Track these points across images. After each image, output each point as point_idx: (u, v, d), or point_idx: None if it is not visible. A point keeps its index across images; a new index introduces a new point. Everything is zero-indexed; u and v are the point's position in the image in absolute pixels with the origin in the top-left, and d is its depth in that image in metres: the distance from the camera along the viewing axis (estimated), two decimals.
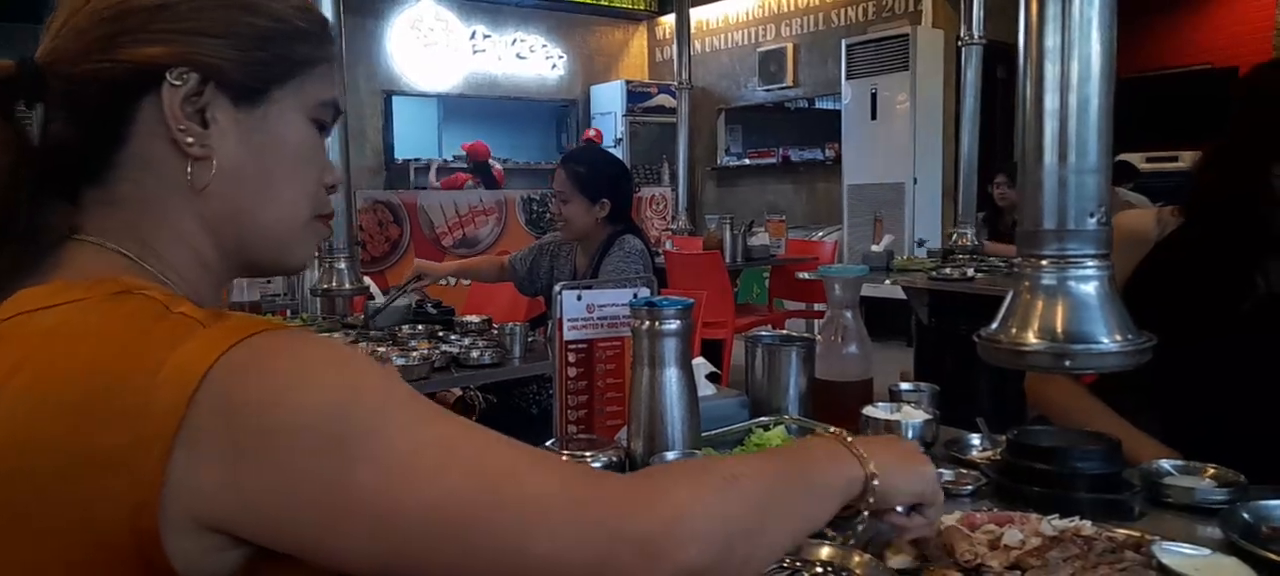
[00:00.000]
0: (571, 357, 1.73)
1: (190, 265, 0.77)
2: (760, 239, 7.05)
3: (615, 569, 0.65)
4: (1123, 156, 6.51)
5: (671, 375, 1.58)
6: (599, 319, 1.76)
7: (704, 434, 1.79)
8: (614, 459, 1.56)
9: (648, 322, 1.59)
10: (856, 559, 1.24)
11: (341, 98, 0.83)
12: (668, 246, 6.99)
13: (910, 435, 1.80)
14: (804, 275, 6.52)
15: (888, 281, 5.21)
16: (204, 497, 0.60)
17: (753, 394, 2.01)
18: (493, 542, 0.64)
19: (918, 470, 1.02)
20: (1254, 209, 1.67)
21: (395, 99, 10.26)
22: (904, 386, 2.00)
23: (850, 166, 8.75)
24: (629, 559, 0.65)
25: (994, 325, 1.28)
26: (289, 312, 3.72)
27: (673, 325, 1.58)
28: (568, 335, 1.73)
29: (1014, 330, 1.24)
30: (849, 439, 0.96)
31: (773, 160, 10.26)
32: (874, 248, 6.15)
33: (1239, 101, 1.78)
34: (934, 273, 5.07)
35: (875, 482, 0.93)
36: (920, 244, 7.10)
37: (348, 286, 3.15)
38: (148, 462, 0.58)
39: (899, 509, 1.05)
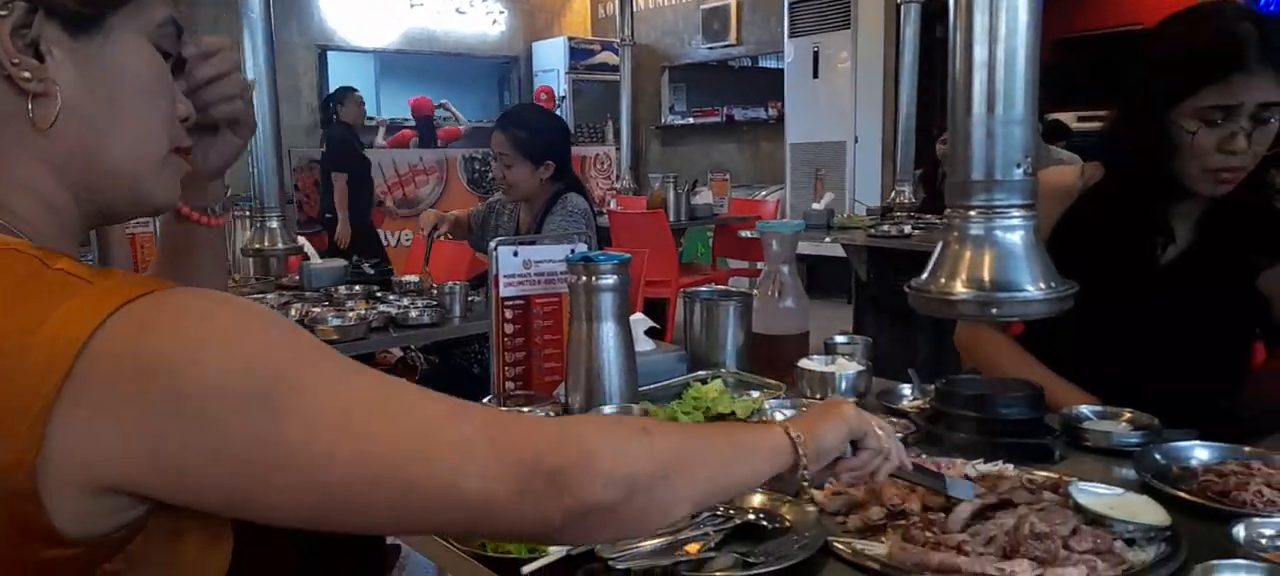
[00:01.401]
0: (508, 314, 1.72)
1: (38, 213, 0.71)
2: (704, 198, 7.07)
3: (532, 500, 0.70)
4: (1055, 116, 6.66)
5: (608, 330, 1.58)
6: (536, 275, 1.75)
7: (642, 388, 1.80)
8: (551, 414, 1.56)
9: (584, 278, 1.59)
10: (786, 505, 1.27)
11: (180, 14, 0.78)
12: (612, 206, 6.97)
13: (843, 386, 1.84)
14: (746, 233, 6.57)
15: (827, 239, 5.28)
16: (102, 460, 0.58)
17: (691, 349, 2.02)
18: (427, 484, 0.67)
19: (836, 416, 1.06)
20: (1160, 159, 1.72)
21: (330, 55, 9.97)
22: (839, 339, 2.04)
23: (792, 125, 8.81)
24: (542, 490, 0.70)
25: (924, 275, 1.31)
26: None
27: (609, 280, 1.58)
28: (504, 292, 1.72)
29: (943, 280, 1.27)
30: (783, 422, 1.03)
31: (717, 119, 10.27)
32: (815, 206, 6.22)
33: (1143, 52, 1.83)
34: (872, 230, 5.15)
35: (800, 437, 0.98)
36: (859, 203, 7.20)
37: (280, 246, 3.07)
38: (21, 426, 0.56)
39: (846, 454, 1.09)
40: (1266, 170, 1.75)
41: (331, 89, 8.38)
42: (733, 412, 1.62)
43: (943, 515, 1.22)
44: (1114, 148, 1.88)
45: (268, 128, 3.40)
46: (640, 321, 1.98)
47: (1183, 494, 1.30)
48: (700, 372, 1.91)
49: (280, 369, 0.64)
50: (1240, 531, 1.12)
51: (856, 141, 8.33)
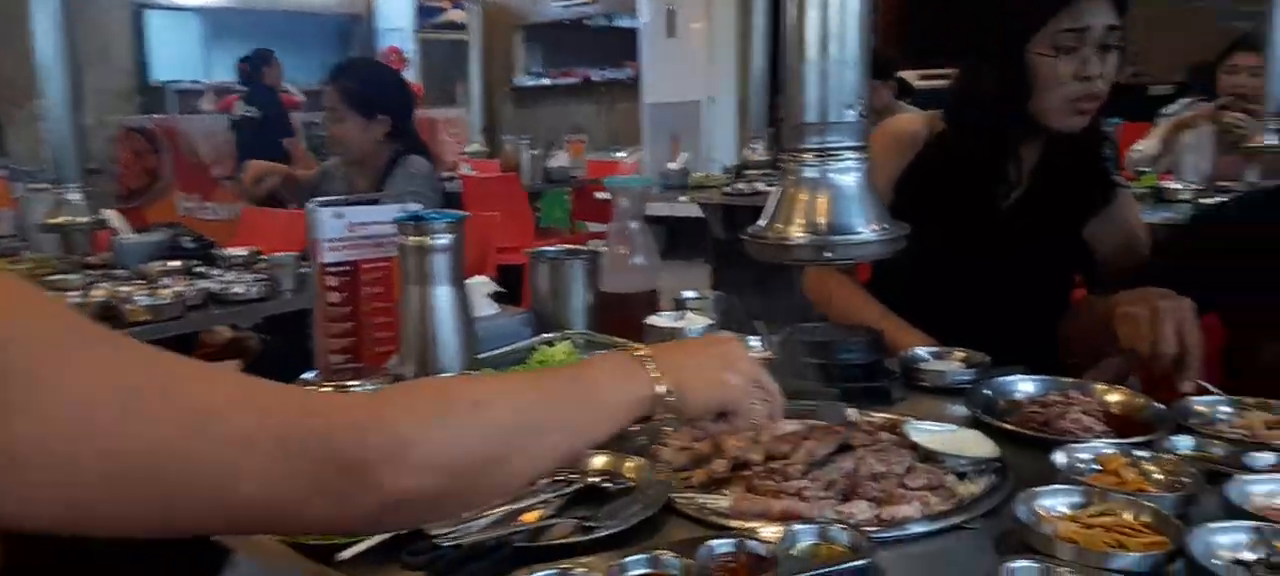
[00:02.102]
0: (332, 281, 1.60)
1: None
2: (560, 160, 6.98)
3: (334, 498, 0.63)
4: (901, 73, 6.94)
5: (442, 293, 1.50)
6: (363, 238, 1.63)
7: (484, 354, 1.73)
8: (382, 388, 1.46)
9: (414, 238, 1.49)
10: (629, 463, 1.24)
11: None
12: (465, 170, 6.77)
13: None
14: (602, 195, 6.53)
15: (683, 199, 5.32)
16: None
17: (538, 310, 1.96)
18: (193, 487, 0.59)
19: (722, 382, 0.99)
20: (1020, 97, 1.80)
21: (149, 13, 9.17)
22: (688, 294, 2.02)
23: (649, 85, 8.82)
24: (344, 486, 0.63)
25: (761, 221, 1.29)
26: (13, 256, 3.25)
27: (442, 239, 1.49)
28: (327, 257, 1.60)
29: (779, 225, 1.26)
30: (642, 353, 0.92)
31: (574, 80, 10.15)
32: (671, 166, 6.25)
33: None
34: (727, 188, 5.22)
35: (669, 399, 0.91)
36: (715, 161, 7.30)
37: (82, 220, 2.78)
38: None
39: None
40: (1098, 117, 1.86)
41: (151, 50, 7.74)
42: None
43: (784, 463, 1.21)
44: (969, 95, 1.94)
45: (64, 92, 3.07)
46: (481, 285, 1.90)
47: (1008, 426, 1.36)
48: (547, 336, 1.85)
49: (11, 358, 0.53)
50: (1060, 458, 1.17)
51: (712, 101, 8.43)
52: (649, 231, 2.09)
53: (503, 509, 1.11)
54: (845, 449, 1.27)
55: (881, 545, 1.00)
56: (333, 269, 1.60)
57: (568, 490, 1.18)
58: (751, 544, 1.00)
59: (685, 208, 5.52)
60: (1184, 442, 1.25)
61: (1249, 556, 0.92)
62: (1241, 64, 4.07)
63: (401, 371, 1.52)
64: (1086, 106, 1.78)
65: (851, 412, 1.43)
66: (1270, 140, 3.63)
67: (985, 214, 1.92)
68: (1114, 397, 1.43)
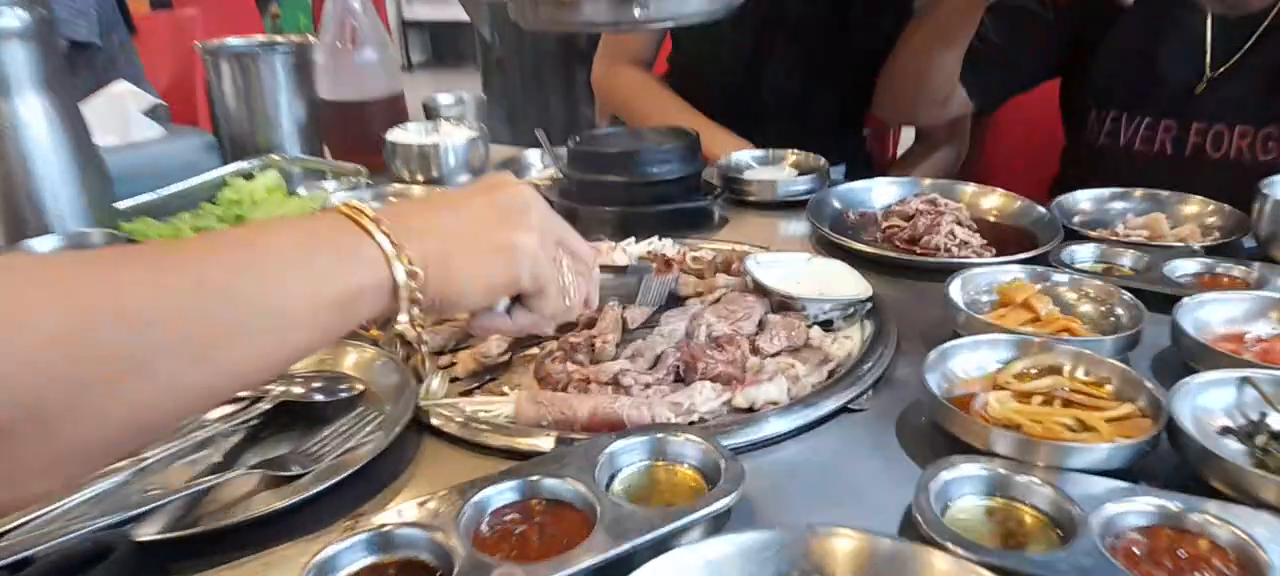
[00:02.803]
0: None
1: None
2: None
3: None
4: None
5: (31, 110, 0.94)
6: None
7: (145, 198, 1.19)
8: None
9: None
10: (355, 355, 0.81)
11: None
12: None
13: (451, 161, 1.37)
14: None
15: None
16: None
17: (227, 129, 1.41)
18: None
19: (506, 250, 0.61)
20: None
21: None
22: (442, 98, 1.55)
23: None
24: None
25: None
26: None
27: (14, 22, 0.92)
28: None
29: None
30: (370, 215, 0.56)
31: None
32: None
33: None
34: None
35: (417, 291, 0.56)
36: None
37: None
38: None
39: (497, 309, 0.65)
40: None
41: None
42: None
43: (589, 335, 0.83)
44: None
45: None
46: (130, 96, 1.32)
47: (866, 247, 1.05)
48: (242, 165, 1.32)
49: None
50: (955, 290, 0.87)
51: None
52: (379, 20, 1.56)
53: (129, 466, 0.67)
54: (673, 303, 0.91)
55: (737, 452, 0.67)
56: None
57: (251, 411, 0.74)
58: (549, 486, 0.62)
59: (449, 9, 4.83)
60: (1083, 252, 1.00)
61: (1253, 417, 0.66)
62: None
63: None
64: None
65: (669, 247, 1.07)
66: None
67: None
68: (988, 200, 1.16)
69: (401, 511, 0.60)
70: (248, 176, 1.31)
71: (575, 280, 0.67)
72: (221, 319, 0.48)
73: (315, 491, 0.64)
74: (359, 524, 0.60)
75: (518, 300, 0.65)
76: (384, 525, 0.59)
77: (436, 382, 0.78)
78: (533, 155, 1.51)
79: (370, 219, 0.55)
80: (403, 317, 0.55)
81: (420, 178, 1.39)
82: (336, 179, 1.35)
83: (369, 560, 0.58)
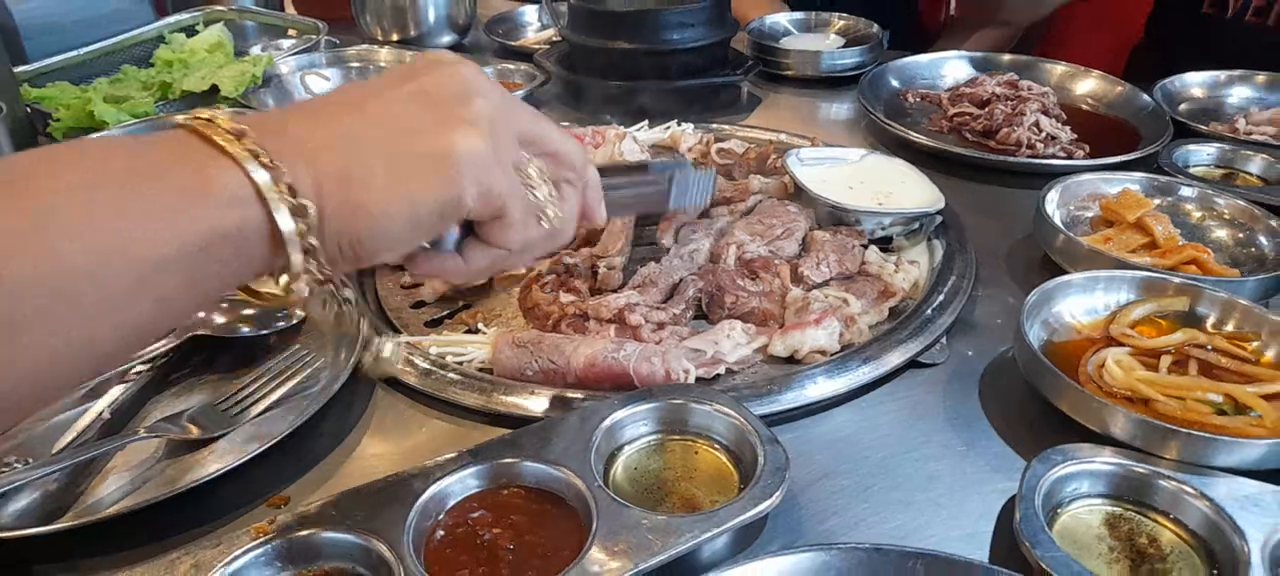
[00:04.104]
0: None
1: None
2: None
3: None
4: None
5: None
6: None
7: (59, 59, 1.02)
8: None
9: None
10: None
11: None
12: None
13: (431, 16, 1.18)
14: None
15: None
16: None
17: None
18: None
19: (432, 159, 0.42)
20: None
21: None
22: None
23: None
24: None
25: None
26: None
27: None
28: None
29: None
30: (224, 126, 0.38)
31: None
32: None
33: None
34: None
35: (309, 235, 0.39)
36: None
37: None
38: None
39: (445, 242, 0.47)
40: None
41: None
42: (216, 92, 0.92)
43: (592, 255, 0.68)
44: None
45: None
46: None
47: (928, 140, 0.88)
48: (181, 16, 1.14)
49: None
50: (1051, 205, 0.70)
51: None
52: None
53: None
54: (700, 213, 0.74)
55: (774, 421, 0.53)
56: None
57: (149, 358, 0.60)
58: (530, 472, 0.49)
59: None
60: (1197, 153, 0.83)
61: None
62: None
63: None
64: None
65: (689, 134, 0.90)
66: None
67: None
68: (1081, 83, 0.98)
69: (335, 505, 0.46)
70: (189, 32, 1.13)
71: (555, 191, 0.48)
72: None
73: (222, 468, 0.50)
74: (277, 519, 0.46)
75: (471, 231, 0.47)
76: (305, 529, 0.45)
77: (388, 349, 0.60)
78: (529, 12, 1.31)
79: (226, 132, 0.37)
80: (298, 273, 0.39)
81: (394, 36, 1.21)
82: (292, 34, 1.16)
83: None
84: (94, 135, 0.85)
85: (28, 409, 0.36)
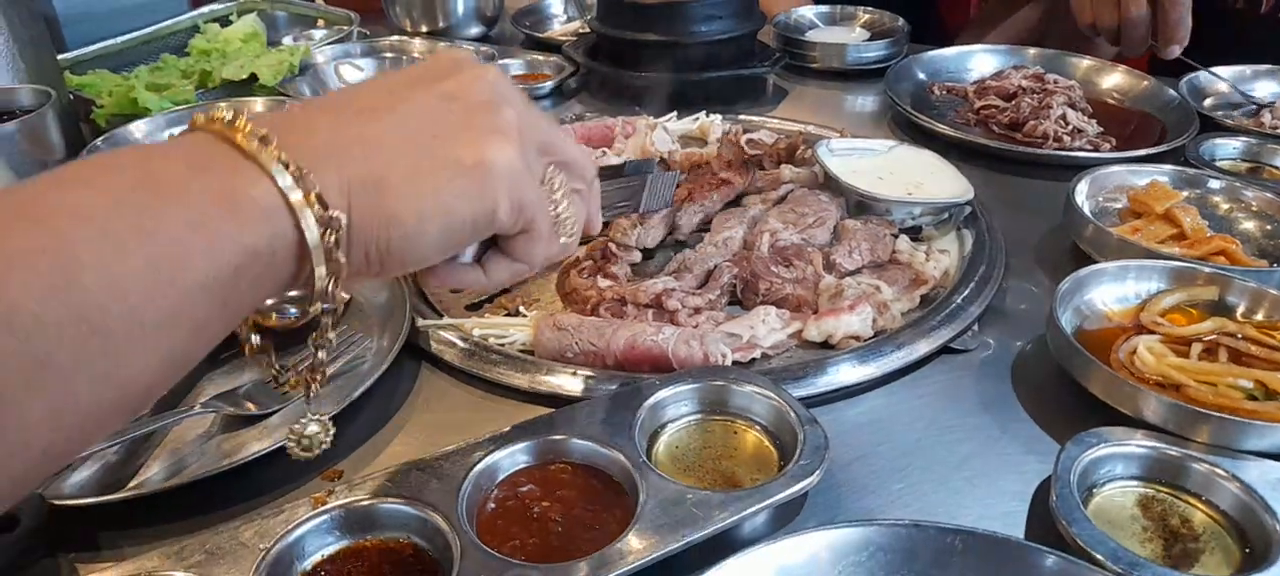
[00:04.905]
0: None
1: None
2: None
3: None
4: None
5: None
6: None
7: (97, 47, 1.04)
8: None
9: None
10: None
11: None
12: None
13: (459, 8, 1.20)
14: None
15: None
16: None
17: None
18: None
19: (468, 171, 0.40)
20: None
21: None
22: None
23: None
24: None
25: None
26: None
27: None
28: None
29: None
30: (257, 124, 0.35)
31: None
32: None
33: None
34: None
35: (337, 248, 0.36)
36: None
37: None
38: None
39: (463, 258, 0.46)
40: None
41: None
42: (255, 80, 0.94)
43: (624, 238, 0.69)
44: None
45: None
46: None
47: (955, 132, 0.89)
48: (215, 6, 1.16)
49: None
50: (1081, 196, 0.71)
51: None
52: None
53: None
54: (731, 203, 0.76)
55: (809, 404, 0.55)
56: None
57: None
58: (579, 449, 0.50)
59: None
60: (1224, 147, 0.84)
61: None
62: None
63: None
64: None
65: (716, 125, 0.91)
66: None
67: None
68: (1108, 78, 0.99)
69: (391, 477, 0.48)
70: (224, 21, 1.15)
71: (572, 204, 0.46)
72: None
73: (280, 442, 0.51)
74: (334, 490, 0.48)
75: (492, 243, 0.46)
76: (364, 499, 0.47)
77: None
78: (556, 3, 1.32)
79: (252, 135, 0.34)
80: (322, 290, 0.36)
81: (423, 28, 1.22)
82: (324, 26, 1.18)
83: (343, 543, 0.47)
84: (131, 126, 0.87)
85: (60, 453, 0.32)
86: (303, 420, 0.43)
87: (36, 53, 0.84)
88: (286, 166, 0.34)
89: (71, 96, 0.90)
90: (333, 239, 0.35)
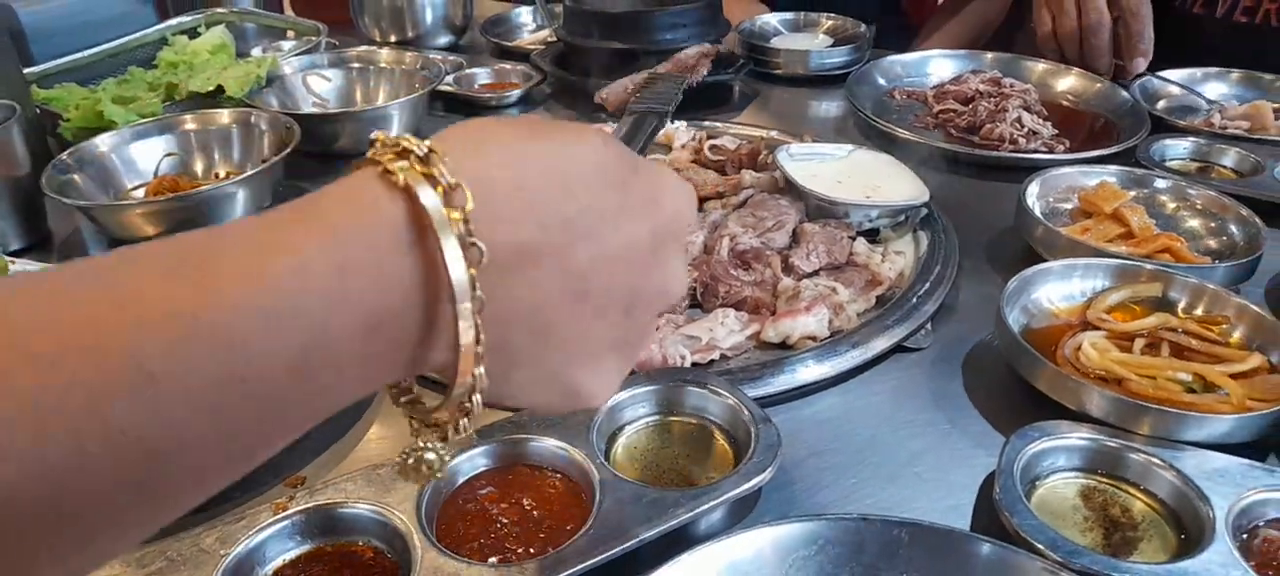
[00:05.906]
0: None
1: None
2: None
3: None
4: None
5: None
6: None
7: (64, 60, 1.04)
8: None
9: None
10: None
11: None
12: None
13: (428, 17, 1.20)
14: None
15: None
16: None
17: None
18: None
19: (643, 324, 0.37)
20: None
21: None
22: None
23: None
24: None
25: None
26: None
27: None
28: None
29: None
30: (429, 164, 0.29)
31: None
32: None
33: None
34: None
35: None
36: None
37: None
38: None
39: None
40: None
41: None
42: (221, 92, 0.94)
43: None
44: None
45: None
46: None
47: (914, 136, 0.91)
48: (183, 18, 1.16)
49: None
50: (1032, 196, 0.73)
51: None
52: None
53: None
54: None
55: (767, 403, 0.55)
56: None
57: None
58: (535, 451, 0.51)
59: None
60: (1174, 147, 0.86)
61: None
62: None
63: None
64: None
65: (681, 131, 0.93)
66: None
67: None
68: (1062, 81, 1.01)
69: (352, 482, 0.49)
70: (192, 34, 1.15)
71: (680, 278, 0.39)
72: (191, 405, 0.25)
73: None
74: (294, 496, 0.48)
75: None
76: (324, 504, 0.47)
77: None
78: (524, 13, 1.33)
79: (445, 215, 0.29)
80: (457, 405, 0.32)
81: (393, 38, 1.23)
82: (292, 37, 1.19)
83: (304, 548, 0.47)
84: (97, 139, 0.87)
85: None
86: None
87: (3, 67, 0.84)
88: (463, 237, 0.29)
89: (38, 110, 0.90)
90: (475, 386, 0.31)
